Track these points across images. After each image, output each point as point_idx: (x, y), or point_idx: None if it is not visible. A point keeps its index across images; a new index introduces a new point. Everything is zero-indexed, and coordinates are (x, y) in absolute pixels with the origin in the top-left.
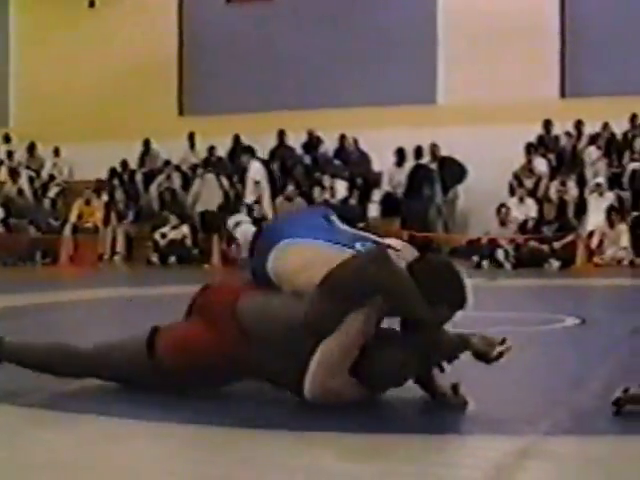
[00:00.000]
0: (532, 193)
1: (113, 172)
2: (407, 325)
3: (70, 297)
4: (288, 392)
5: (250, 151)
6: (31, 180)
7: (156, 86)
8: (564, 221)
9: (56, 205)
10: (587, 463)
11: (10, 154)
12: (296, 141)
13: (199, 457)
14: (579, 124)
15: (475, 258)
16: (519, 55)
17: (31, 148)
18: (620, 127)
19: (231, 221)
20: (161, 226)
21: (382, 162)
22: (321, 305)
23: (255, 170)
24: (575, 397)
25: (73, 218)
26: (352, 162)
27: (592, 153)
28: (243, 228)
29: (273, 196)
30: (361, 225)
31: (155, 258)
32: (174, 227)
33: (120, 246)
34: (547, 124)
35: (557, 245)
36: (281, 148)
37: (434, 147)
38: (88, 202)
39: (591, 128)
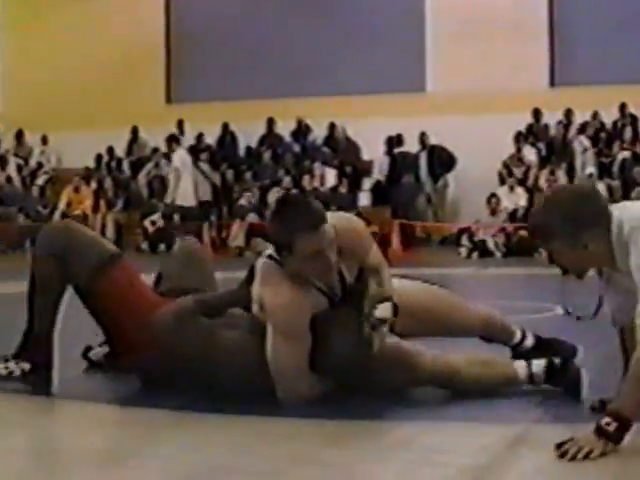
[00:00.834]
0: (522, 182)
1: (100, 159)
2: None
3: None
4: None
5: (174, 139)
6: (19, 168)
7: (143, 74)
8: None
9: (45, 193)
10: None
11: None
12: (285, 129)
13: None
14: (569, 113)
15: (464, 248)
16: (508, 44)
17: (19, 136)
18: (610, 116)
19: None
20: (150, 214)
21: (372, 150)
22: None
23: (176, 158)
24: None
25: (62, 206)
26: (341, 150)
27: (582, 142)
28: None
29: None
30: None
31: (145, 245)
32: (163, 215)
33: (110, 233)
34: (536, 113)
35: None
36: (270, 136)
37: (423, 135)
38: (77, 190)
39: (581, 117)
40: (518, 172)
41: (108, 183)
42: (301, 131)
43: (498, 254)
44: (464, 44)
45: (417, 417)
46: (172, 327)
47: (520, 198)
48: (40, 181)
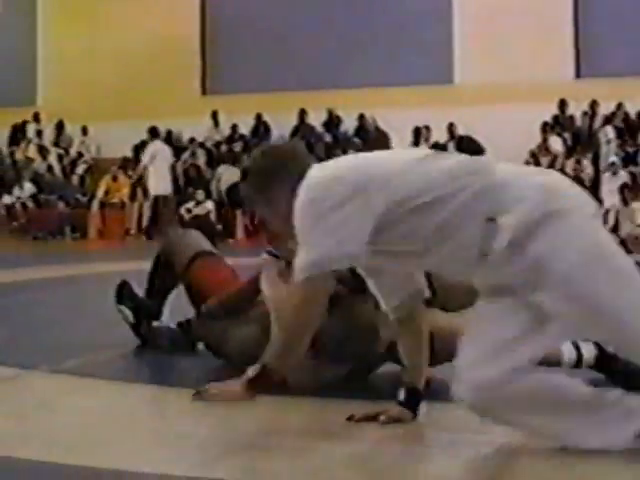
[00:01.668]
0: None
1: (137, 149)
2: None
3: (99, 269)
4: None
5: (154, 132)
6: (60, 158)
7: (180, 66)
8: None
9: (84, 182)
10: None
11: (39, 133)
12: (316, 120)
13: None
14: (594, 104)
15: None
16: (535, 36)
17: (60, 127)
18: (634, 107)
19: None
20: (186, 202)
21: (400, 141)
22: None
23: (147, 152)
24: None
25: (100, 194)
26: (371, 140)
27: (608, 133)
28: None
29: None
30: None
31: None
32: (199, 203)
33: (146, 221)
34: (562, 104)
35: None
36: (302, 126)
37: (451, 126)
38: (115, 178)
39: (605, 108)
40: (545, 161)
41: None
42: (332, 122)
43: None
44: (491, 36)
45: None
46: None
47: None
48: (80, 170)
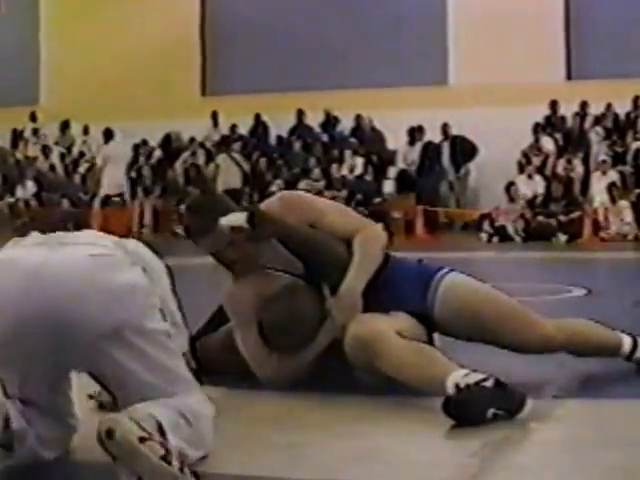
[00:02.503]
0: (540, 170)
1: (137, 149)
2: None
3: None
4: None
5: (107, 134)
6: (62, 157)
7: (180, 67)
8: (571, 198)
9: (86, 180)
10: (594, 425)
11: (36, 131)
12: (314, 120)
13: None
14: (584, 105)
15: (485, 233)
16: (527, 39)
17: (64, 126)
18: (623, 108)
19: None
20: (186, 200)
21: (396, 141)
22: None
23: (103, 153)
24: (581, 362)
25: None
26: (368, 140)
27: (597, 133)
28: None
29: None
30: (377, 200)
31: (180, 230)
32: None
33: (147, 219)
34: (554, 105)
35: (564, 219)
36: (300, 127)
37: (445, 126)
38: None
39: (595, 109)
40: (537, 161)
41: (146, 171)
42: (329, 122)
43: (517, 239)
44: (485, 39)
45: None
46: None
47: (538, 186)
48: (82, 169)
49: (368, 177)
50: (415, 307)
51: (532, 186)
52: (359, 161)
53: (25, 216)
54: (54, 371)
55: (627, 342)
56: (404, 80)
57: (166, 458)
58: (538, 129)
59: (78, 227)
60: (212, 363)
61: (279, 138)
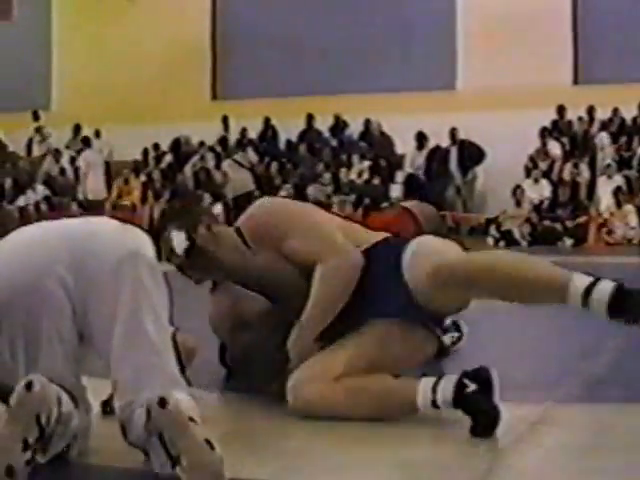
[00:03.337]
0: (546, 175)
1: (147, 153)
2: None
3: None
4: None
5: (86, 142)
6: (72, 160)
7: (191, 71)
8: (577, 203)
9: None
10: (598, 429)
11: (38, 129)
12: (323, 124)
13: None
14: (591, 110)
15: (492, 237)
16: (534, 44)
17: (76, 130)
18: (629, 113)
19: None
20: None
21: (404, 145)
22: None
23: (81, 158)
24: (587, 366)
25: (112, 196)
26: (376, 145)
27: (603, 138)
28: None
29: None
30: (384, 204)
31: None
32: (209, 205)
33: (157, 223)
34: (560, 109)
35: (570, 224)
36: (309, 131)
37: (453, 131)
38: (126, 181)
39: (602, 114)
40: (543, 165)
41: (156, 175)
42: (338, 127)
43: (524, 243)
44: (492, 44)
45: None
46: None
47: (544, 190)
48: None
49: (376, 181)
50: (393, 309)
51: (538, 190)
52: (367, 165)
53: (35, 220)
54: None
55: (579, 280)
56: (413, 85)
57: (209, 442)
58: (545, 133)
59: None
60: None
61: (288, 142)
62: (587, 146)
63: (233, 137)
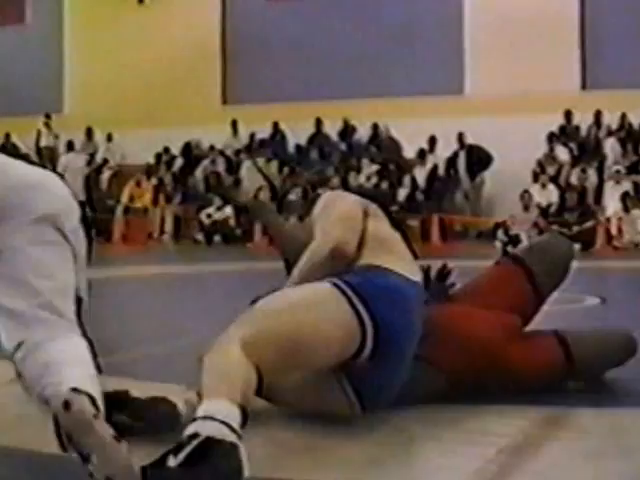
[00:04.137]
0: (554, 179)
1: (159, 157)
2: None
3: (123, 273)
4: None
5: (70, 146)
6: (87, 163)
7: (201, 76)
8: (585, 208)
9: (110, 187)
10: (610, 434)
11: (47, 124)
12: (332, 129)
13: None
14: (599, 115)
15: (500, 242)
16: (543, 49)
17: (88, 134)
18: (637, 118)
19: None
20: (206, 207)
21: (413, 150)
22: None
23: (60, 163)
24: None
25: (124, 199)
26: (384, 149)
27: (612, 144)
28: None
29: None
30: (393, 208)
31: (201, 237)
32: (218, 208)
33: (168, 226)
34: (568, 115)
35: (577, 229)
36: (319, 135)
37: (461, 135)
38: (138, 184)
39: (610, 119)
40: (551, 170)
41: (167, 178)
42: (347, 131)
43: None
44: (500, 49)
45: (458, 399)
46: None
47: (552, 195)
48: (105, 176)
49: (384, 185)
50: None
51: (546, 195)
52: (375, 169)
53: None
54: None
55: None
56: (421, 90)
57: (116, 436)
58: (553, 139)
59: (100, 233)
60: None
61: (298, 146)
62: (595, 151)
63: (242, 141)
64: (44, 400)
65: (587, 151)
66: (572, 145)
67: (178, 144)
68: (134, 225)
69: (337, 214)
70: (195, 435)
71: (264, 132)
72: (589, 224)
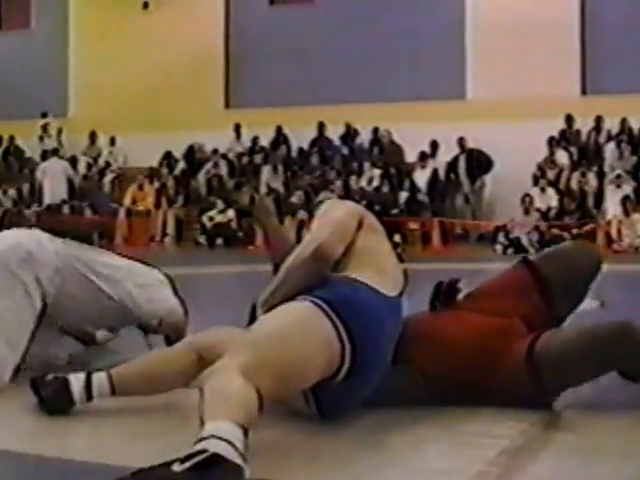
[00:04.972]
0: (554, 183)
1: (162, 160)
2: None
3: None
4: None
5: (55, 152)
6: (89, 167)
7: (204, 80)
8: (584, 211)
9: (113, 190)
10: (607, 435)
11: (45, 127)
12: (334, 133)
13: None
14: (599, 120)
15: (500, 245)
16: (543, 54)
17: (92, 137)
18: (638, 123)
19: None
20: (208, 210)
21: (414, 154)
22: None
23: (40, 168)
24: None
25: (127, 202)
26: (386, 153)
27: (612, 149)
28: None
29: None
30: (394, 212)
31: (203, 240)
32: (221, 211)
33: (170, 228)
34: (569, 119)
35: (577, 232)
36: (321, 139)
37: (462, 140)
38: (141, 187)
39: (610, 124)
40: (551, 174)
41: (170, 181)
42: (349, 135)
43: (532, 250)
44: (502, 54)
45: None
46: None
47: (551, 199)
48: (108, 179)
49: (385, 189)
50: None
51: (546, 199)
52: (377, 173)
53: (49, 224)
54: None
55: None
56: (423, 94)
57: None
58: (553, 143)
59: (102, 236)
60: None
61: (300, 150)
62: (595, 155)
63: (245, 145)
64: None
65: (587, 155)
66: (572, 149)
67: (181, 148)
68: (136, 228)
69: (329, 219)
70: (203, 451)
71: (267, 136)
72: (589, 227)
